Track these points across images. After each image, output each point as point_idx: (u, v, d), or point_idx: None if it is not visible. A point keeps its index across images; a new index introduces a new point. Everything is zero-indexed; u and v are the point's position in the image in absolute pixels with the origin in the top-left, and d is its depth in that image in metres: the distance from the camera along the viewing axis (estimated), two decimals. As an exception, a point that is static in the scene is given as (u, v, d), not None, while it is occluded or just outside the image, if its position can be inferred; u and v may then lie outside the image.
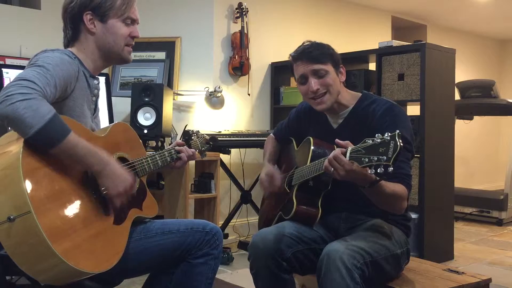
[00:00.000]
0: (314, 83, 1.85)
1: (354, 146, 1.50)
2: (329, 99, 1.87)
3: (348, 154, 1.50)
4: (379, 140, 1.43)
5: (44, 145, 1.33)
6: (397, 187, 1.69)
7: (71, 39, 1.66)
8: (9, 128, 1.39)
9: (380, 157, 1.41)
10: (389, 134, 1.42)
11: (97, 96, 1.75)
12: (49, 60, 1.46)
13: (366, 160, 1.44)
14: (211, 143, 2.10)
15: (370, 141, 1.46)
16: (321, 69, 1.85)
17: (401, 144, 1.40)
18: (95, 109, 1.76)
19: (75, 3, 1.62)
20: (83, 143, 1.40)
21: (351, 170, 1.51)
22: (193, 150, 1.92)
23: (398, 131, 1.43)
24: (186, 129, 2.05)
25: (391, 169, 1.41)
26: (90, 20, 1.63)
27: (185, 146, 1.91)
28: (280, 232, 1.80)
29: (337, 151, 1.54)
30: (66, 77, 1.49)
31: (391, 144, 1.40)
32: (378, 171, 1.43)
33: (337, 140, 1.57)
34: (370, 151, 1.44)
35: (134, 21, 1.70)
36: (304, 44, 1.92)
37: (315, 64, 1.85)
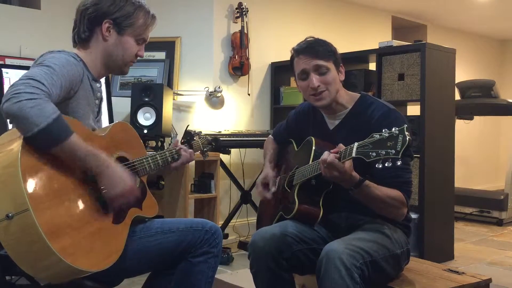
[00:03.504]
0: (315, 79, 1.85)
1: (360, 141, 1.51)
2: (328, 96, 1.87)
3: (354, 149, 1.51)
4: (387, 135, 1.44)
5: (45, 144, 1.35)
6: (391, 192, 1.70)
7: (83, 39, 1.67)
8: (9, 126, 1.39)
9: (389, 150, 1.42)
10: (397, 128, 1.43)
11: (100, 100, 1.76)
12: (56, 60, 1.48)
13: (374, 154, 1.45)
14: (213, 143, 2.10)
15: (378, 136, 1.46)
16: (323, 66, 1.85)
17: (410, 138, 1.41)
18: (98, 112, 1.76)
19: (99, 7, 1.63)
20: (84, 146, 1.41)
21: (345, 172, 1.58)
22: (191, 151, 1.90)
23: (406, 125, 1.44)
24: (188, 129, 2.05)
25: (399, 162, 1.41)
26: (108, 28, 1.64)
27: (183, 147, 1.89)
28: (280, 231, 1.80)
29: (331, 157, 1.58)
30: (71, 78, 1.50)
31: (400, 138, 1.41)
32: (386, 165, 1.43)
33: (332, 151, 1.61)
34: (378, 145, 1.45)
35: (144, 41, 1.73)
36: (308, 39, 1.92)
37: (318, 60, 1.85)
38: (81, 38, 1.66)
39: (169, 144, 3.19)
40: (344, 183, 1.65)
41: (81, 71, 1.57)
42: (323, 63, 1.85)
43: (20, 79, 1.36)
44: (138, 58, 1.75)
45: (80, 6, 1.67)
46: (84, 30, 1.65)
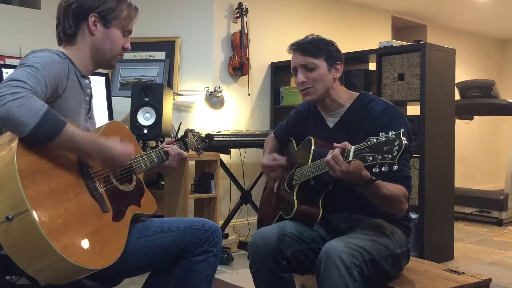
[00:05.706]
0: (301, 75, 1.89)
1: (357, 145, 1.50)
2: (314, 92, 1.89)
3: (351, 153, 1.51)
4: (383, 139, 1.44)
5: (41, 141, 1.34)
6: (396, 188, 1.69)
7: (69, 36, 1.65)
8: (3, 130, 1.38)
9: (385, 155, 1.42)
10: (394, 132, 1.43)
11: (90, 96, 1.75)
12: (38, 59, 1.46)
13: (371, 158, 1.45)
14: (206, 140, 2.11)
15: (374, 140, 1.46)
16: (310, 63, 1.88)
17: (406, 143, 1.41)
18: (89, 109, 1.76)
19: (83, 1, 1.62)
20: (79, 133, 1.43)
21: (347, 171, 1.53)
22: (181, 151, 1.90)
23: (402, 129, 1.44)
24: (180, 127, 2.05)
25: (396, 167, 1.41)
26: (94, 22, 1.64)
27: (173, 145, 1.89)
28: (280, 231, 1.80)
29: (336, 151, 1.55)
30: (56, 76, 1.49)
31: (396, 143, 1.41)
32: (383, 169, 1.43)
33: (335, 144, 1.58)
34: (374, 149, 1.45)
35: (129, 33, 1.73)
36: (304, 37, 1.94)
37: (305, 57, 1.88)
38: (67, 34, 1.64)
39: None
40: (354, 181, 1.61)
41: (66, 68, 1.56)
42: (310, 60, 1.87)
43: (2, 83, 1.34)
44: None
45: (62, 3, 1.65)
46: (71, 26, 1.63)
